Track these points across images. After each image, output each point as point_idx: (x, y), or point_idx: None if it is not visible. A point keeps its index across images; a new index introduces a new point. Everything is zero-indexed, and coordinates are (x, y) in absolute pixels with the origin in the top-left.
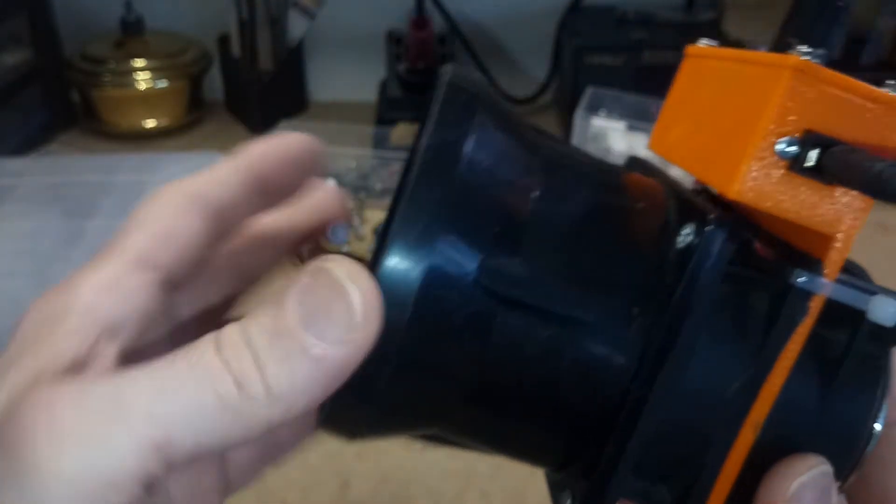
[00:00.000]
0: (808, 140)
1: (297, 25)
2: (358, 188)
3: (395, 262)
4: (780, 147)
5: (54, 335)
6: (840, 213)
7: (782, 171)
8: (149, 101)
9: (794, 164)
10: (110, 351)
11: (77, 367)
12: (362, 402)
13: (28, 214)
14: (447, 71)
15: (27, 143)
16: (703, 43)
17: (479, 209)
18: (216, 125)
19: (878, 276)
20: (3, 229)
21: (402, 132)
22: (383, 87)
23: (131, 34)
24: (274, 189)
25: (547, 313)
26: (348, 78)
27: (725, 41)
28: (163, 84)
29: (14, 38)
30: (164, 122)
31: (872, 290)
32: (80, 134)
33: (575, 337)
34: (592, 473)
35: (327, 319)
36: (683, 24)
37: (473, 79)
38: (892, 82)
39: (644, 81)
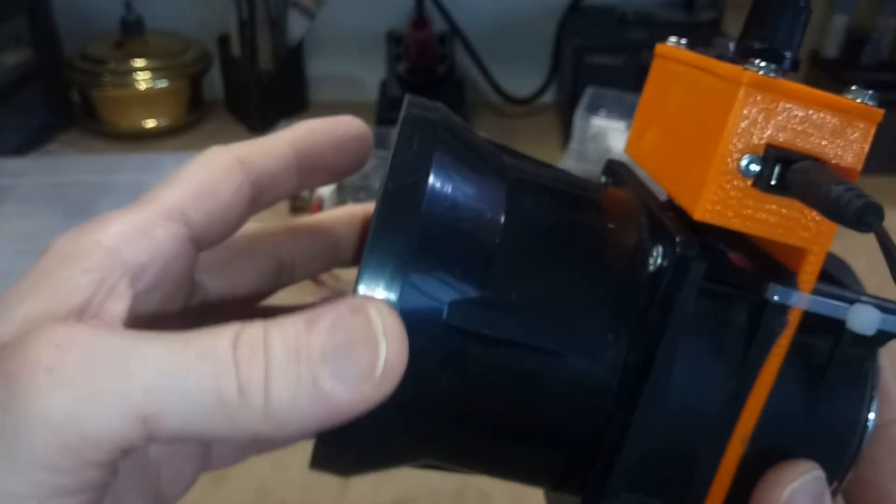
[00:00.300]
0: (770, 156)
1: (297, 25)
2: (358, 188)
3: None
4: (742, 164)
5: (73, 270)
6: (811, 225)
7: (747, 188)
8: (149, 101)
9: (758, 181)
10: (126, 295)
11: (92, 307)
12: (347, 444)
13: (28, 214)
14: (405, 104)
15: (27, 143)
16: (672, 42)
17: (443, 250)
18: (216, 125)
19: (878, 277)
20: (3, 229)
21: None
22: (383, 87)
23: (131, 34)
24: (318, 169)
25: (521, 346)
26: (348, 78)
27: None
28: (163, 84)
29: (14, 38)
30: (164, 122)
31: (851, 297)
32: (80, 134)
33: (552, 366)
34: (586, 492)
35: (349, 362)
36: (683, 24)
37: (433, 108)
38: (854, 88)
39: (644, 81)
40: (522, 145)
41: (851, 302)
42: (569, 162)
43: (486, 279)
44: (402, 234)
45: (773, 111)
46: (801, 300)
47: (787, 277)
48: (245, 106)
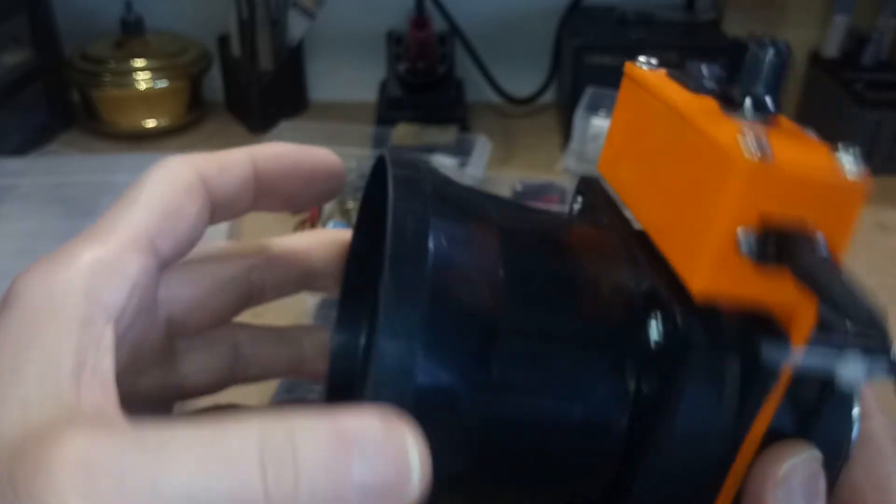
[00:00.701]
0: (765, 231)
1: (297, 25)
2: (358, 188)
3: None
4: (739, 240)
5: (56, 329)
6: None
7: (743, 263)
8: (149, 101)
9: (754, 255)
10: (112, 345)
11: (86, 371)
12: None
13: (28, 214)
14: (389, 171)
15: (27, 143)
16: (642, 62)
17: (450, 341)
18: (216, 125)
19: (878, 276)
20: (3, 229)
21: (402, 132)
22: (383, 87)
23: (131, 34)
24: (277, 196)
25: (532, 423)
26: (348, 78)
27: (725, 41)
28: (163, 84)
29: (14, 38)
30: (164, 122)
31: (842, 345)
32: (80, 134)
33: (562, 435)
34: None
35: (379, 489)
36: (683, 24)
37: (419, 168)
38: (841, 146)
39: None
40: (522, 145)
41: (843, 349)
42: (569, 162)
43: (494, 360)
44: (410, 333)
45: (768, 188)
46: (794, 357)
47: (779, 335)
48: (245, 106)
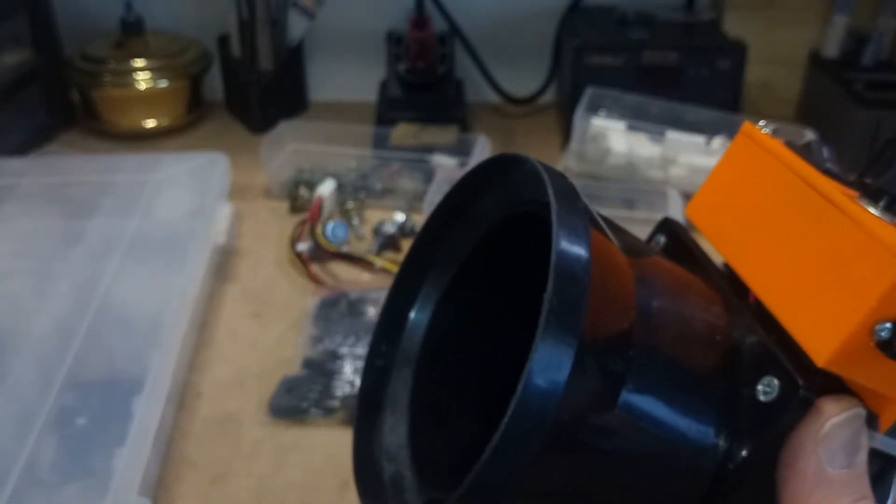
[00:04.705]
0: None
1: (297, 25)
2: (358, 188)
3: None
4: (875, 328)
5: None
6: None
7: (871, 348)
8: (149, 101)
9: (882, 345)
10: None
11: None
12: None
13: (28, 214)
14: (551, 195)
15: (27, 143)
16: (762, 126)
17: (589, 378)
18: (216, 125)
19: None
20: (3, 229)
21: (402, 132)
22: (383, 87)
23: (131, 34)
24: None
25: (636, 456)
26: (348, 78)
27: (725, 41)
28: (163, 84)
29: (14, 38)
30: (164, 122)
31: None
32: (80, 134)
33: (663, 465)
34: None
35: None
36: (683, 24)
37: (577, 196)
38: None
39: (644, 81)
40: (522, 145)
41: None
42: (569, 162)
43: (619, 401)
44: (560, 369)
45: None
46: (875, 440)
47: (870, 420)
48: (245, 106)
